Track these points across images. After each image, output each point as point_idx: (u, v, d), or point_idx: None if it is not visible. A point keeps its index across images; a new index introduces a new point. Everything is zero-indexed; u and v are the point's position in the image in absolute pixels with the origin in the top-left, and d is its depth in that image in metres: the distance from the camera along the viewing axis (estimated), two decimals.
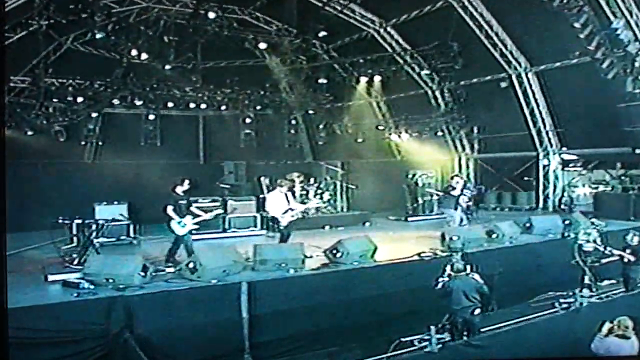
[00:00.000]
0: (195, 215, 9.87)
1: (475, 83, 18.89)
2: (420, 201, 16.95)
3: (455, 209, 12.19)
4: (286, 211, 10.41)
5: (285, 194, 10.63)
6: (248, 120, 20.64)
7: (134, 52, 14.56)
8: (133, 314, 7.16)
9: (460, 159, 21.51)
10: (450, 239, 9.32)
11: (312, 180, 16.01)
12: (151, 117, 18.38)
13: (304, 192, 15.53)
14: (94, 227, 9.19)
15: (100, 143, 17.69)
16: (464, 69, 17.71)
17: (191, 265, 8.15)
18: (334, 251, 9.47)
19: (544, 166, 18.61)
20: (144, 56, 14.64)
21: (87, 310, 7.01)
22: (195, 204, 12.56)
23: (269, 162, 18.95)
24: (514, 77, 17.74)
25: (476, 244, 10.98)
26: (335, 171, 17.03)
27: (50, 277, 8.02)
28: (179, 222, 9.43)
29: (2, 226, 4.64)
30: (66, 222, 9.16)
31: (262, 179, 15.89)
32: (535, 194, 18.99)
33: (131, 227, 12.41)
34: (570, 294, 9.46)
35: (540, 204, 18.82)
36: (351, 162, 19.61)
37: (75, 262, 8.76)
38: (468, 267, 7.68)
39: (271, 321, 8.11)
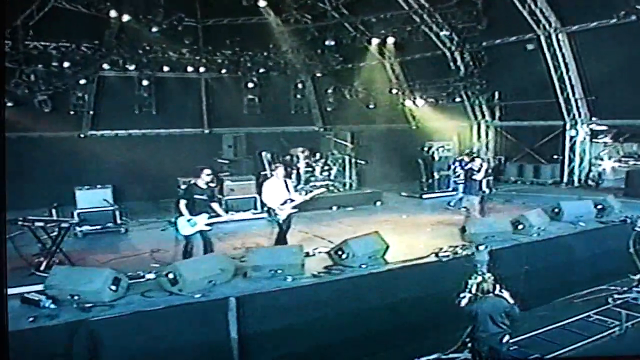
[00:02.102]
0: (214, 214, 8.46)
1: (499, 44, 17.35)
2: (436, 176, 15.58)
3: (477, 194, 10.87)
4: (285, 202, 9.15)
5: (285, 181, 9.33)
6: (251, 85, 19.13)
7: (112, 14, 12.99)
8: (100, 341, 6.06)
9: (479, 127, 20.11)
10: (477, 248, 7.99)
11: (317, 156, 14.66)
12: (145, 82, 16.96)
13: (310, 169, 14.27)
14: (56, 230, 7.91)
15: (90, 112, 16.38)
16: (487, 29, 16.05)
17: (171, 275, 6.99)
18: (339, 252, 8.25)
19: (571, 137, 17.19)
20: (126, 17, 13.09)
21: (43, 339, 5.92)
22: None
23: (273, 132, 17.61)
24: (542, 39, 16.12)
25: (501, 238, 9.71)
26: (343, 145, 15.62)
27: (9, 290, 6.91)
28: (188, 220, 8.14)
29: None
30: (26, 224, 7.96)
31: (263, 154, 14.58)
32: (560, 167, 17.60)
33: (117, 213, 11.24)
34: (625, 288, 8.37)
35: (565, 178, 17.46)
36: (362, 131, 18.20)
37: (43, 266, 7.68)
38: (496, 285, 6.42)
39: (265, 340, 7.02)
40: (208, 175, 8.47)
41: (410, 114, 21.15)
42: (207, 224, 8.28)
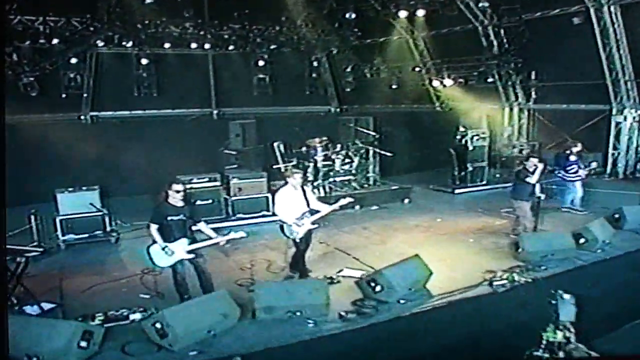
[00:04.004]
0: (195, 240, 6.62)
1: (539, 18, 15.37)
2: (470, 168, 13.81)
3: (528, 200, 9.14)
4: (303, 215, 7.52)
5: (302, 189, 7.67)
6: (261, 63, 17.40)
7: None
8: None
9: (511, 110, 18.26)
10: (561, 296, 6.09)
11: (338, 147, 12.94)
12: (144, 61, 15.24)
13: (329, 162, 12.57)
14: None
15: (84, 95, 14.75)
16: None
17: (158, 325, 5.44)
18: (372, 284, 6.65)
19: (617, 123, 15.36)
20: None
21: None
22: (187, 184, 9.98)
23: (286, 118, 15.90)
24: (591, 11, 14.17)
25: (561, 256, 8.07)
26: (367, 134, 13.85)
27: None
28: (163, 248, 6.42)
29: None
30: None
31: (275, 144, 12.92)
32: (603, 157, 15.77)
33: (107, 219, 9.68)
34: None
35: (608, 169, 15.65)
36: (384, 115, 16.46)
37: None
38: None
39: None
40: (178, 191, 6.47)
41: (434, 95, 19.37)
42: (190, 251, 6.51)
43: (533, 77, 16.88)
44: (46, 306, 6.44)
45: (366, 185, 12.66)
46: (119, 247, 9.47)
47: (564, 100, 16.42)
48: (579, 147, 11.32)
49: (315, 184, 12.02)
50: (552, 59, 15.72)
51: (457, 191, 13.69)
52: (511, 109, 18.27)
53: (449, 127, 18.29)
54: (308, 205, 7.60)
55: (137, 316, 6.20)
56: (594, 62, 14.71)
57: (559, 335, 5.02)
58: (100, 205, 9.54)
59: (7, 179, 3.97)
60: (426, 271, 7.08)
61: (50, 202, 9.77)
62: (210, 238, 6.63)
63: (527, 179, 8.96)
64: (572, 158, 11.10)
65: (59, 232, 9.27)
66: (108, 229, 9.65)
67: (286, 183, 7.71)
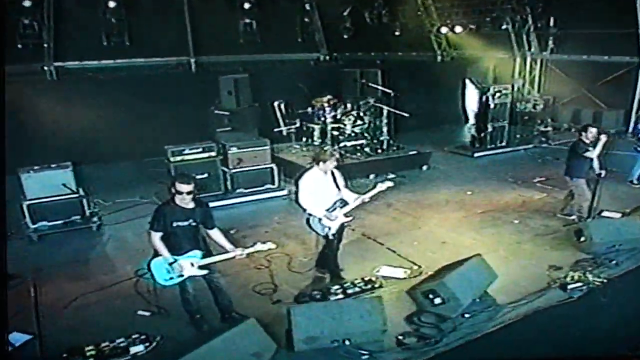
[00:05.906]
0: (210, 252, 5.14)
1: None
2: (490, 128, 12.43)
3: (585, 177, 7.84)
4: (334, 207, 6.08)
5: (332, 174, 6.18)
6: (247, 5, 15.29)
7: None
8: None
9: (524, 60, 16.83)
10: None
11: (348, 106, 11.34)
12: (112, 3, 13.02)
13: (339, 125, 11.01)
14: None
15: (45, 45, 12.60)
16: None
17: None
18: (431, 295, 5.35)
19: None
20: None
21: None
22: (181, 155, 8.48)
23: (279, 69, 14.16)
24: None
25: (629, 246, 6.87)
26: (376, 90, 12.19)
27: None
28: (171, 264, 4.88)
29: None
30: None
31: (276, 104, 11.27)
32: (626, 114, 14.61)
33: (85, 200, 8.04)
34: None
35: (631, 127, 14.51)
36: (386, 66, 14.81)
37: None
38: None
39: None
40: (180, 193, 4.82)
41: (436, 42, 17.71)
42: (202, 267, 5.02)
43: (552, 23, 15.38)
44: (18, 339, 4.93)
45: (380, 150, 11.15)
46: (103, 237, 7.84)
47: (584, 50, 15.09)
48: None
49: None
50: (575, 4, 14.22)
51: (476, 154, 12.35)
52: (524, 59, 16.83)
53: (456, 78, 16.92)
54: (339, 191, 6.17)
55: (139, 348, 4.79)
56: (626, 7, 13.27)
57: None
58: (76, 185, 7.86)
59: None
60: (491, 275, 5.81)
61: (14, 176, 8.07)
62: (227, 251, 5.09)
63: (587, 154, 7.64)
64: None
65: (28, 221, 7.63)
66: (87, 212, 8.03)
67: (311, 167, 6.21)
